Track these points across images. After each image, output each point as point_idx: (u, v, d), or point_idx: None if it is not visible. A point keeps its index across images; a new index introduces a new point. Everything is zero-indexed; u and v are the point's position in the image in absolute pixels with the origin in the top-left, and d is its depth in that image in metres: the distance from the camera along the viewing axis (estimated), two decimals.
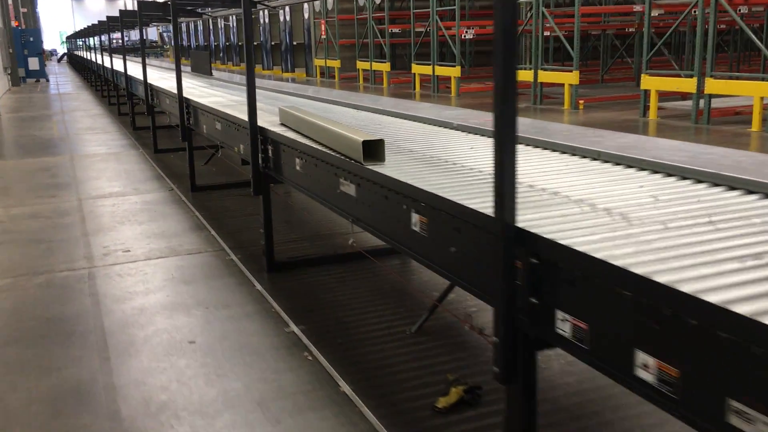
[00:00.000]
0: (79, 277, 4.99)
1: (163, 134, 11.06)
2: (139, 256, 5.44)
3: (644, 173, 2.99)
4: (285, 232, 5.91)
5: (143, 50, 10.26)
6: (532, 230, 2.08)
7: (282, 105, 5.15)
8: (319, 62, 27.33)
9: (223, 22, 38.17)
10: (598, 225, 2.18)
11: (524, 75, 15.75)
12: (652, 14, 13.17)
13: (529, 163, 3.27)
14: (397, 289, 4.63)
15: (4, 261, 5.45)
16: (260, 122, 5.69)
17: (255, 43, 35.58)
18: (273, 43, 32.37)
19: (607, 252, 1.88)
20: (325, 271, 4.98)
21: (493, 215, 2.07)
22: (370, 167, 3.14)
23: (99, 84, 22.98)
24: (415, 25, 20.27)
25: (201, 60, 12.48)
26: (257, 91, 9.40)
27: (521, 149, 3.75)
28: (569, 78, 14.32)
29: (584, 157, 3.42)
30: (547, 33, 15.33)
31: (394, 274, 4.89)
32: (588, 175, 2.99)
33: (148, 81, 10.15)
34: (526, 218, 2.21)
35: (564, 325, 1.96)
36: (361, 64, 23.74)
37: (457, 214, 2.45)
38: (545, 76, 15.02)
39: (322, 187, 3.79)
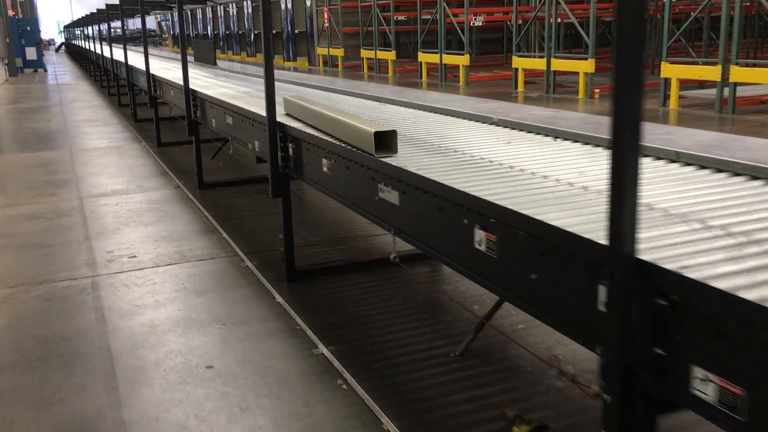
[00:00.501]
0: (82, 287, 4.56)
1: (166, 126, 10.61)
2: (147, 262, 5.02)
3: (740, 179, 2.57)
4: (302, 234, 5.48)
5: (145, 39, 9.80)
6: (649, 259, 1.66)
7: (287, 95, 4.74)
8: (321, 51, 26.81)
9: (223, 10, 37.55)
10: (724, 250, 1.75)
11: (536, 63, 15.29)
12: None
13: (584, 164, 2.83)
14: (433, 301, 4.21)
15: (0, 269, 5.02)
16: (237, 102, 5.28)
17: (256, 32, 35.07)
18: (274, 32, 31.76)
19: (759, 292, 1.46)
20: (350, 280, 4.56)
21: (590, 238, 1.65)
22: (384, 159, 2.99)
23: (98, 74, 22.49)
24: (422, 12, 19.76)
25: (204, 49, 12.01)
26: (258, 80, 8.97)
27: (568, 146, 3.33)
28: (584, 66, 13.84)
29: (658, 158, 2.99)
30: (559, 20, 14.84)
31: (427, 284, 4.47)
32: (675, 182, 2.55)
33: (151, 71, 9.69)
34: None
35: (705, 386, 1.54)
36: (366, 53, 23.23)
37: (542, 235, 2.02)
38: (559, 65, 14.54)
39: (356, 192, 3.36)
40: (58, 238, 5.70)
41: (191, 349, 3.62)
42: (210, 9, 40.18)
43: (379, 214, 3.13)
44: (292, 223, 4.58)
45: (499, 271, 2.27)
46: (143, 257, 5.14)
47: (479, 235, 2.36)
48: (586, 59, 13.82)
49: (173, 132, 10.99)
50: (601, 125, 3.69)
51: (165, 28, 62.54)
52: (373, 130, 3.07)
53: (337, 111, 3.79)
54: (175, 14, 47.43)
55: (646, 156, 3.05)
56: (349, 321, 3.94)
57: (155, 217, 6.27)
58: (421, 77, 19.67)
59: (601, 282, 1.76)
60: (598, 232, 1.85)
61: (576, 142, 3.43)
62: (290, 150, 4.28)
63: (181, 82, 7.78)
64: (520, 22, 16.26)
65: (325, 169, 3.74)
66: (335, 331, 3.77)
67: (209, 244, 5.44)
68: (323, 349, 3.55)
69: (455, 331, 3.69)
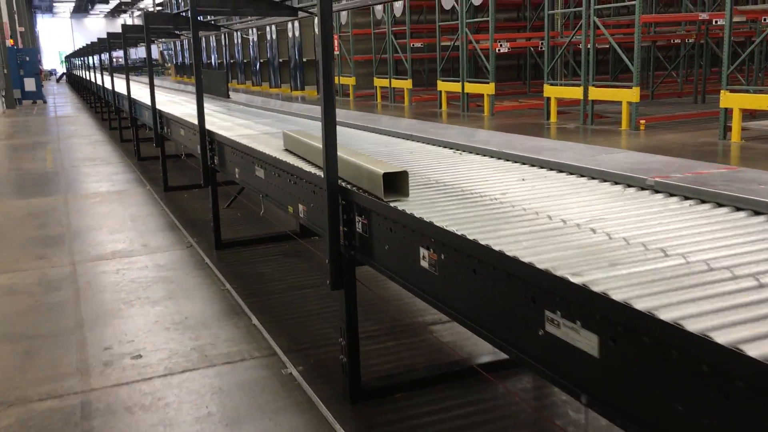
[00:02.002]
0: (68, 413, 3.32)
1: (172, 165, 9.44)
2: (156, 367, 3.78)
3: None
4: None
5: (151, 70, 8.66)
6: None
7: (288, 129, 3.97)
8: None
9: (227, 38, 36.60)
10: None
11: (571, 92, 14.17)
12: (715, 23, 11.60)
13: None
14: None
15: None
16: (266, 149, 4.19)
17: (262, 60, 34.08)
18: (281, 60, 30.84)
19: None
20: (435, 400, 3.32)
21: None
22: (392, 204, 2.72)
23: (99, 106, 21.40)
24: (441, 38, 18.71)
25: (215, 80, 10.87)
26: (282, 116, 7.84)
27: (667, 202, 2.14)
28: (628, 95, 12.71)
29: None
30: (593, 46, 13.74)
31: (527, 406, 3.23)
32: None
33: (157, 106, 8.54)
34: None
35: None
36: (379, 81, 22.19)
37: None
38: (598, 94, 13.41)
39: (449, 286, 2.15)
40: (43, 326, 4.47)
41: None
42: (213, 37, 39.31)
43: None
44: (357, 318, 3.34)
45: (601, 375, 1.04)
46: (151, 357, 3.91)
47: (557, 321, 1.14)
48: (630, 87, 12.68)
49: (180, 172, 9.82)
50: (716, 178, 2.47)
51: (167, 56, 61.91)
52: (383, 171, 2.82)
53: (343, 148, 3.29)
54: (178, 43, 46.73)
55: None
56: None
57: (165, 291, 5.05)
58: (440, 107, 18.57)
59: None
60: None
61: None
62: (358, 225, 3.08)
63: (192, 119, 6.63)
64: (542, 48, 15.17)
65: (424, 263, 2.52)
66: None
67: (236, 335, 4.20)
68: None
69: None
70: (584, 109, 13.74)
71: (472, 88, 17.19)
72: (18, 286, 5.28)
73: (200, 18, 7.49)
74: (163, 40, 25.66)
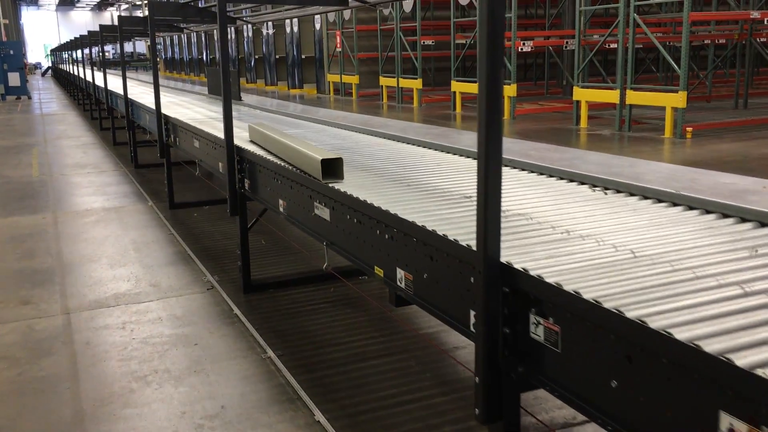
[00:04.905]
0: None
1: (176, 175, 8.17)
2: None
3: None
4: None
5: (155, 69, 7.44)
6: None
7: (252, 122, 4.61)
8: (333, 78, 24.57)
9: (250, 30, 34.82)
10: None
11: (605, 96, 13.09)
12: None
13: None
14: None
15: None
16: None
17: (256, 56, 32.74)
18: (278, 56, 29.58)
19: None
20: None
21: None
22: (330, 185, 3.09)
23: (88, 103, 20.08)
24: (456, 36, 17.56)
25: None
26: (262, 113, 6.67)
27: None
28: (673, 100, 11.62)
29: None
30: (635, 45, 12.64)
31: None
32: None
33: (162, 110, 7.33)
34: None
35: None
36: (386, 80, 21.01)
37: None
38: (637, 98, 12.32)
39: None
40: (26, 419, 3.30)
41: None
42: (205, 33, 37.88)
43: None
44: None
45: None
46: None
47: None
48: (675, 91, 11.60)
49: (186, 185, 8.63)
50: None
51: (156, 51, 60.28)
52: (320, 157, 3.23)
53: (292, 137, 3.95)
54: (167, 38, 45.25)
55: None
56: None
57: (188, 359, 3.88)
58: (454, 109, 17.43)
59: None
60: None
61: None
62: (537, 327, 1.94)
63: (208, 128, 5.49)
64: (565, 47, 14.08)
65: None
66: None
67: None
68: None
69: None
70: (620, 115, 12.66)
71: None
72: None
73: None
74: (164, 33, 24.28)
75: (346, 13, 22.90)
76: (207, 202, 7.77)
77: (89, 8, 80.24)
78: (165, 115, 7.27)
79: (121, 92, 10.15)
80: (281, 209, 4.00)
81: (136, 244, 6.29)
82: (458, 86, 17.25)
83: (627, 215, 2.56)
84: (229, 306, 4.68)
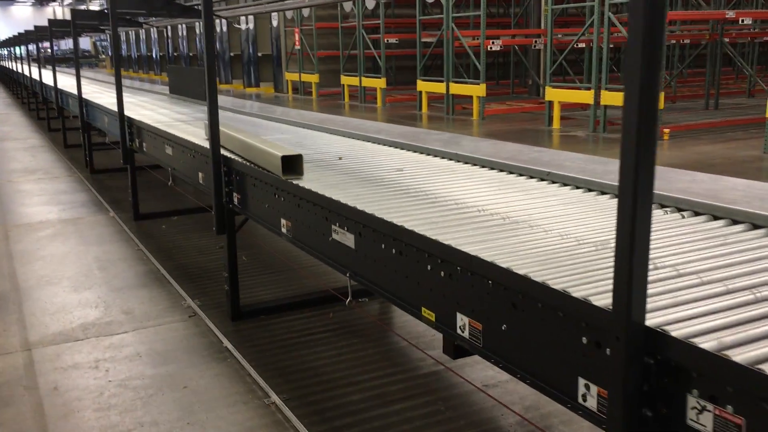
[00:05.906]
0: None
1: (139, 183, 7.46)
2: None
3: None
4: None
5: (118, 69, 6.77)
6: None
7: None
8: (291, 76, 23.89)
9: (186, 29, 33.76)
10: None
11: (579, 96, 12.83)
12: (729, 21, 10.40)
13: None
14: None
15: None
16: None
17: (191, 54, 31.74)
18: (232, 54, 28.73)
19: None
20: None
21: None
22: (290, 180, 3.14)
23: (34, 102, 18.99)
24: (422, 34, 17.14)
25: (190, 79, 9.00)
26: (264, 122, 6.20)
27: None
28: None
29: None
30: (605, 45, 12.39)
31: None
32: None
33: (126, 112, 6.67)
34: None
35: None
36: (347, 79, 20.46)
37: None
38: (612, 98, 12.06)
39: None
40: None
41: None
42: (155, 29, 36.69)
43: None
44: None
45: None
46: None
47: None
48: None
49: (151, 192, 7.95)
50: None
51: (101, 48, 58.41)
52: (281, 154, 3.29)
53: (252, 135, 4.03)
54: (122, 33, 43.75)
55: None
56: None
57: (178, 408, 3.31)
58: (420, 109, 16.99)
59: None
60: None
61: None
62: None
63: (185, 135, 4.90)
64: (534, 46, 13.77)
65: None
66: None
67: None
68: None
69: None
70: (595, 115, 12.40)
71: (458, 89, 15.68)
72: None
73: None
74: (122, 29, 23.31)
75: (306, 10, 22.27)
76: (176, 212, 7.14)
77: (30, 3, 77.34)
78: (129, 117, 6.62)
79: (74, 91, 9.41)
80: (284, 230, 3.46)
81: (100, 262, 5.64)
82: (425, 86, 16.82)
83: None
84: (217, 337, 4.12)
